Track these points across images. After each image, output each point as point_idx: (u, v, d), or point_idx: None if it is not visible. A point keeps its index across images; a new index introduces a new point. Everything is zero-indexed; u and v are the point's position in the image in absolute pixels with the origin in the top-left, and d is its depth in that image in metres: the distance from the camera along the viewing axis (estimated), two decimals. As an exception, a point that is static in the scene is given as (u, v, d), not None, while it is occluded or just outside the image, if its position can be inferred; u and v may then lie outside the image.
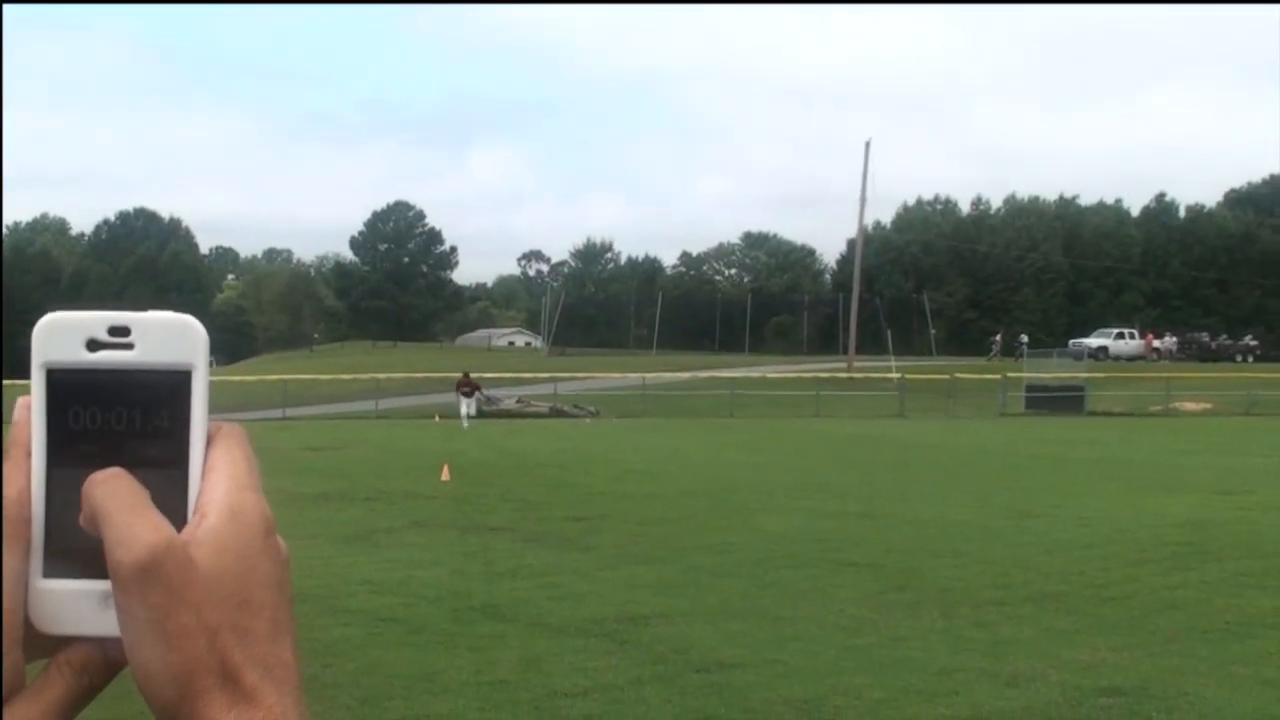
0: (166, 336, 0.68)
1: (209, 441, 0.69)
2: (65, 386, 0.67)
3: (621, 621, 9.94)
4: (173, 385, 0.68)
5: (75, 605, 0.66)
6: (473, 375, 43.66)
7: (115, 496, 0.64)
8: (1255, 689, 8.06)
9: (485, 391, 44.94)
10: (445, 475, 20.98)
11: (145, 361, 0.68)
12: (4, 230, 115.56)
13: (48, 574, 0.66)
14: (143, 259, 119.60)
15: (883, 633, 9.64)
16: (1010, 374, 54.39)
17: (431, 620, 9.99)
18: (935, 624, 9.95)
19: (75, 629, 0.66)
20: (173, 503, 0.66)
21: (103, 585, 0.65)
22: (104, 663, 0.66)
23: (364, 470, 23.02)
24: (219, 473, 0.68)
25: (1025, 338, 76.63)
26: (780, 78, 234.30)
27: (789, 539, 14.51)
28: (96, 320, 0.68)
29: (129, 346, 0.68)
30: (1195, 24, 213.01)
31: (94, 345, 0.67)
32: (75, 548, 0.66)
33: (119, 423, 0.67)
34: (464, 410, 40.69)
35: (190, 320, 0.69)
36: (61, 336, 0.67)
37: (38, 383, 0.67)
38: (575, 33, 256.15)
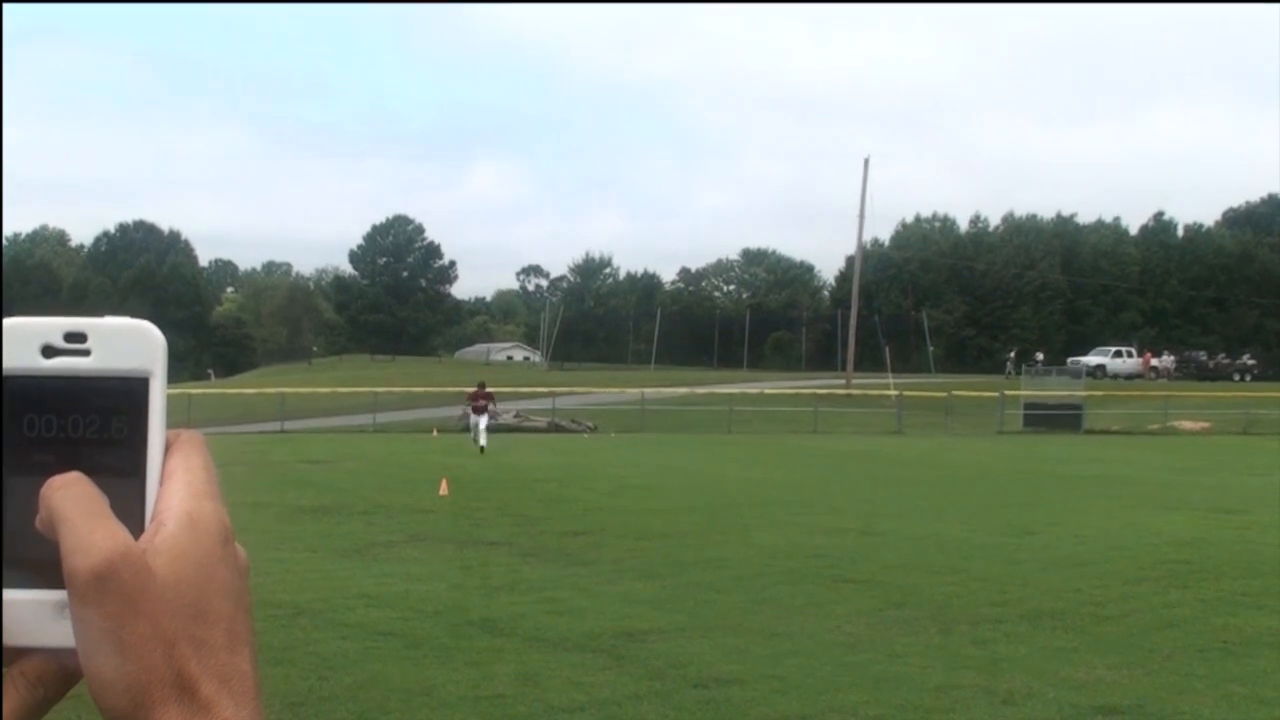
0: (124, 343, 0.67)
1: (167, 449, 0.68)
2: (20, 394, 0.66)
3: (619, 637, 9.94)
4: (130, 392, 0.67)
5: (30, 616, 0.65)
6: (489, 388, 35.75)
7: (74, 501, 0.63)
8: (1252, 708, 8.07)
9: (497, 406, 36.55)
10: (443, 489, 20.96)
11: (102, 368, 0.67)
12: (3, 241, 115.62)
13: (2, 584, 0.65)
14: (142, 271, 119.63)
15: (880, 649, 9.64)
16: (1008, 391, 54.44)
17: (429, 634, 9.98)
18: (932, 641, 9.95)
19: (30, 640, 0.65)
20: (130, 511, 0.65)
21: (58, 595, 0.64)
22: (59, 674, 0.65)
23: (362, 484, 23.00)
24: (177, 480, 0.67)
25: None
26: (781, 92, 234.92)
27: (786, 555, 14.51)
28: (52, 326, 0.67)
29: (85, 353, 0.67)
30: (1195, 42, 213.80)
31: (50, 351, 0.66)
32: (30, 558, 0.65)
33: (75, 430, 0.66)
34: (478, 425, 33.08)
35: (148, 326, 0.68)
36: (16, 342, 0.66)
37: None
38: (576, 46, 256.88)
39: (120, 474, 0.66)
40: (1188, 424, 50.87)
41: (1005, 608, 11.37)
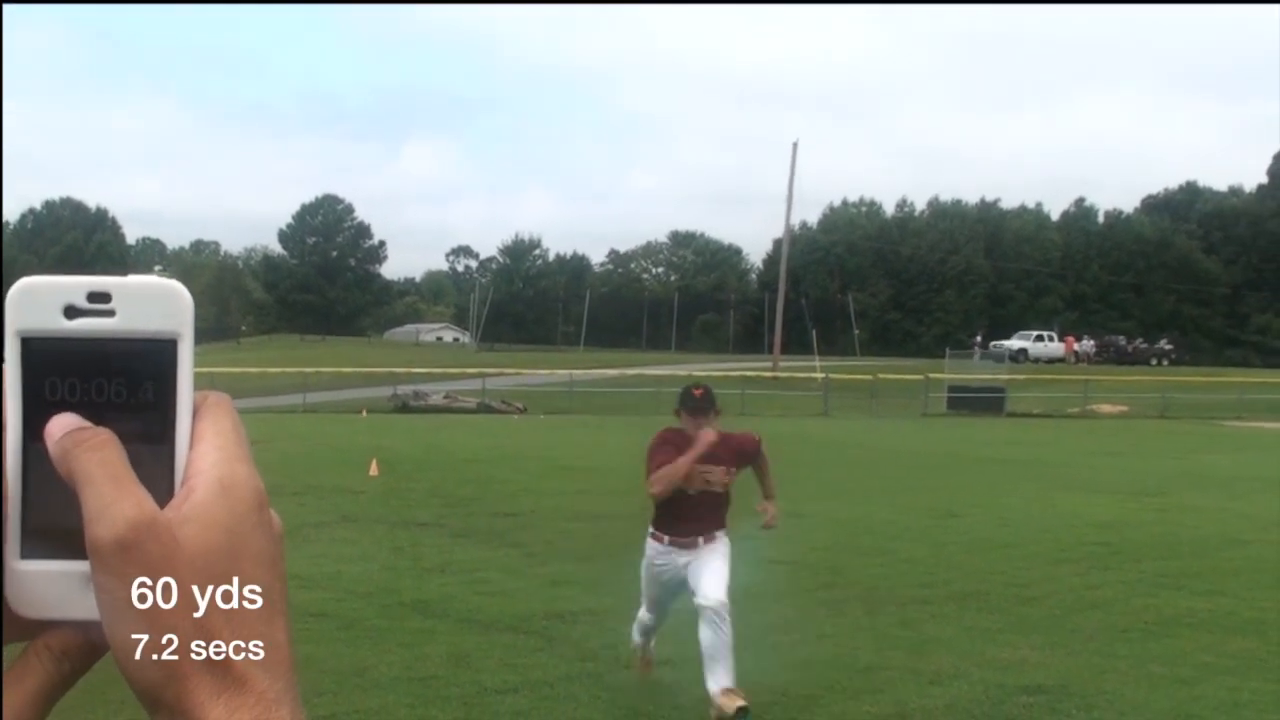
0: (150, 303, 0.64)
1: (194, 412, 0.65)
2: (42, 356, 0.63)
3: (550, 618, 9.98)
4: (157, 355, 0.64)
5: (55, 587, 0.63)
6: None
7: (101, 465, 0.61)
8: (1172, 687, 8.25)
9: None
10: (374, 470, 20.85)
11: (128, 329, 0.64)
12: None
13: (25, 555, 0.63)
14: (69, 249, 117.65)
15: (808, 630, 9.75)
16: (932, 375, 54.99)
17: (361, 615, 9.97)
18: (860, 622, 10.08)
19: (55, 612, 0.63)
20: (159, 478, 0.63)
21: (83, 566, 0.61)
22: (85, 647, 0.63)
23: (292, 464, 22.78)
24: (207, 443, 0.64)
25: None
26: (713, 76, 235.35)
27: (716, 537, 14.57)
28: (75, 285, 0.64)
29: (110, 314, 0.64)
30: (1116, 33, 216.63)
31: (72, 312, 0.64)
32: (54, 527, 0.62)
33: (100, 394, 0.64)
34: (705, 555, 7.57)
35: (176, 285, 0.65)
36: (37, 303, 0.63)
37: (12, 352, 0.63)
38: (512, 29, 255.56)
39: (147, 440, 0.64)
40: (1107, 407, 51.64)
41: (931, 589, 11.54)
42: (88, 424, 0.63)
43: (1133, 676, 8.48)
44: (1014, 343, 77.54)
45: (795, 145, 68.04)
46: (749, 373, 59.78)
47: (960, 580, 12.01)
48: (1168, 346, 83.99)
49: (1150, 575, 12.43)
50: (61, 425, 0.62)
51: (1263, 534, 15.45)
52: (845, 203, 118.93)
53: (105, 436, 0.62)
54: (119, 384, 0.64)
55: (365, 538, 14.16)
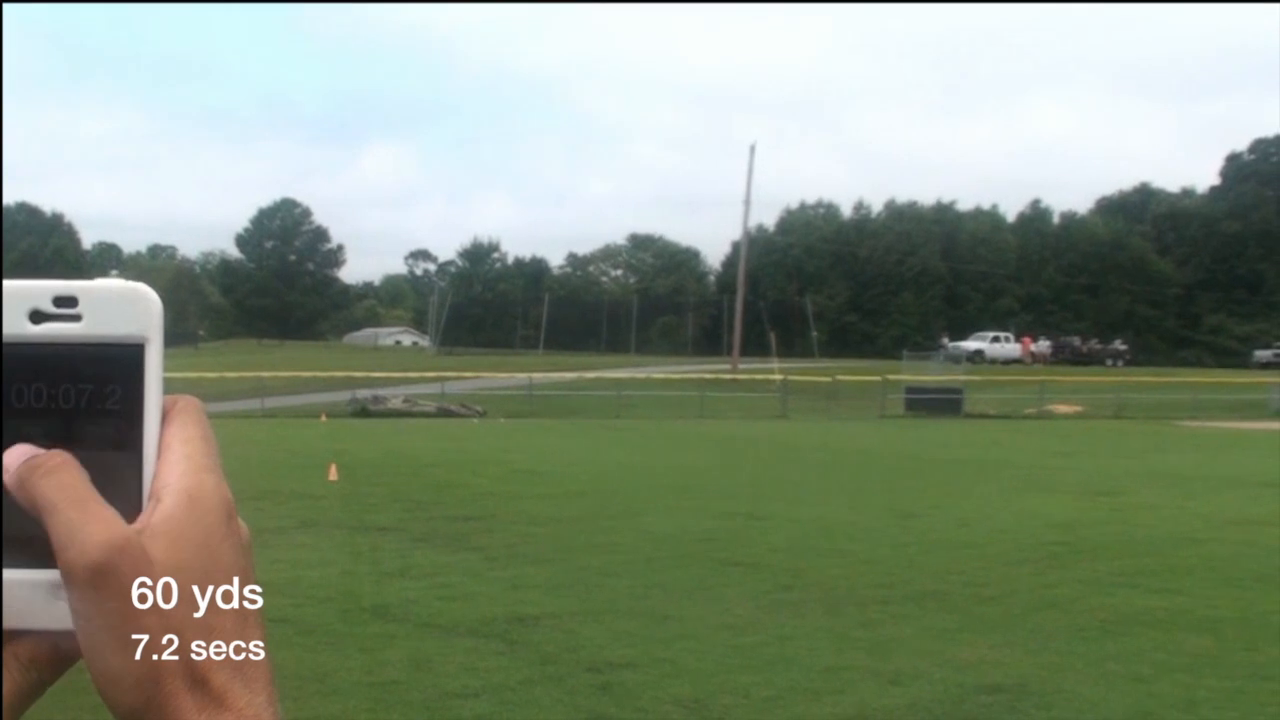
0: (117, 307, 0.63)
1: (164, 418, 0.64)
2: (7, 362, 0.62)
3: (511, 621, 9.95)
4: (125, 359, 0.63)
5: (23, 596, 0.61)
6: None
7: (61, 489, 0.59)
8: (1129, 685, 8.32)
9: None
10: (333, 475, 20.74)
11: (94, 334, 0.63)
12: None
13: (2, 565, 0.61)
14: (25, 255, 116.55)
15: (769, 632, 9.77)
16: (890, 376, 55.25)
17: (321, 621, 9.90)
18: (820, 623, 10.11)
19: (24, 622, 0.61)
20: (126, 487, 0.62)
21: (52, 575, 0.60)
22: (54, 657, 0.62)
23: (250, 469, 22.62)
24: (174, 453, 0.63)
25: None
26: (670, 79, 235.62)
27: (675, 539, 14.61)
28: (40, 290, 0.63)
29: (76, 318, 0.63)
30: (1071, 35, 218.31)
31: (38, 317, 0.62)
32: (21, 535, 0.61)
33: (67, 401, 0.62)
34: None
35: (143, 289, 0.64)
36: (2, 308, 0.62)
37: None
38: (470, 33, 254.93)
39: (115, 446, 0.63)
40: (1062, 408, 52.03)
41: (891, 589, 11.58)
42: (39, 451, 0.61)
43: (1090, 675, 8.55)
44: (970, 344, 78.02)
45: (753, 148, 68.42)
46: (708, 375, 59.90)
47: (919, 580, 12.07)
48: (1122, 347, 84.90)
49: (1106, 574, 12.53)
50: (15, 456, 0.61)
51: (1217, 532, 15.62)
52: (803, 205, 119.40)
53: (61, 459, 0.60)
54: (86, 390, 0.63)
55: (324, 543, 14.08)
